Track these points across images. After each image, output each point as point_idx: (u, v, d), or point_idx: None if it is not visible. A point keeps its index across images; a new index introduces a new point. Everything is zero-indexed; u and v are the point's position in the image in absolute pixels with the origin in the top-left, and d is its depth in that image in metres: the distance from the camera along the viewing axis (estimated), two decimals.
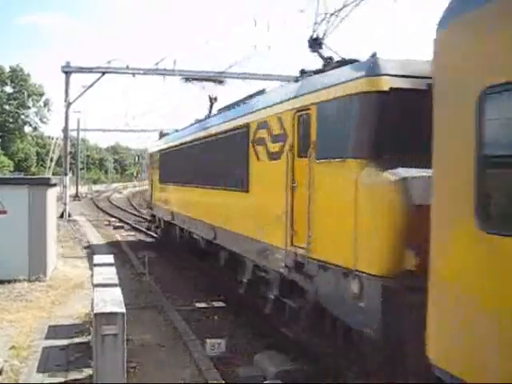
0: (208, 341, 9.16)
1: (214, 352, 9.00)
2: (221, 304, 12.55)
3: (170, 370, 8.05)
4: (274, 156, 9.38)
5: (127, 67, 32.57)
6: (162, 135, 23.55)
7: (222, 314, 11.86)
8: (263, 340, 9.95)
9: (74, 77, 33.24)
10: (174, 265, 18.01)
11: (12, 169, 73.31)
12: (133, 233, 26.90)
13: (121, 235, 25.48)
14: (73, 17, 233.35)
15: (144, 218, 33.65)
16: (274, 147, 9.34)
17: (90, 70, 32.67)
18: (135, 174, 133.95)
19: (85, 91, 33.50)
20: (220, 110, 15.26)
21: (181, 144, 17.83)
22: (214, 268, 15.01)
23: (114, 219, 33.29)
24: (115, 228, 28.50)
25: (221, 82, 20.28)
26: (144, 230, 27.26)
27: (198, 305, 12.44)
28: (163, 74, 32.68)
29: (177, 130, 20.49)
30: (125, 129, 72.07)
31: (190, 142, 16.34)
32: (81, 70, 32.87)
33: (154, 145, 24.79)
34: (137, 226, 29.05)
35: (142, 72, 32.59)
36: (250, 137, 10.62)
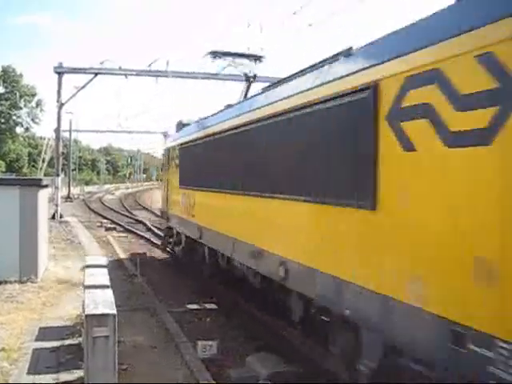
0: (199, 343, 9.13)
1: (206, 354, 8.98)
2: (213, 306, 12.52)
3: (162, 371, 8.02)
4: (463, 139, 4.62)
5: (120, 68, 32.50)
6: (181, 125, 17.88)
7: (214, 315, 11.84)
8: (255, 342, 9.93)
9: (67, 77, 33.24)
10: (167, 266, 17.98)
11: (3, 169, 73.12)
12: (125, 234, 26.84)
13: (112, 236, 25.41)
14: (69, 18, 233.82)
15: (136, 220, 33.61)
16: (466, 121, 4.59)
17: (82, 71, 32.57)
18: (128, 176, 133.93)
19: (77, 92, 33.39)
20: (268, 88, 10.34)
21: (217, 133, 12.26)
22: (207, 271, 14.91)
23: (106, 221, 33.18)
24: (107, 229, 28.42)
25: (259, 59, 15.82)
26: (135, 231, 27.22)
27: (190, 306, 12.41)
28: (156, 76, 32.65)
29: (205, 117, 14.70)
30: (117, 130, 72.12)
31: (236, 128, 10.84)
32: (73, 70, 32.73)
33: (172, 138, 18.86)
34: (129, 228, 28.98)
35: (134, 73, 32.53)
36: (378, 107, 5.86)
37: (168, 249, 19.69)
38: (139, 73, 32.73)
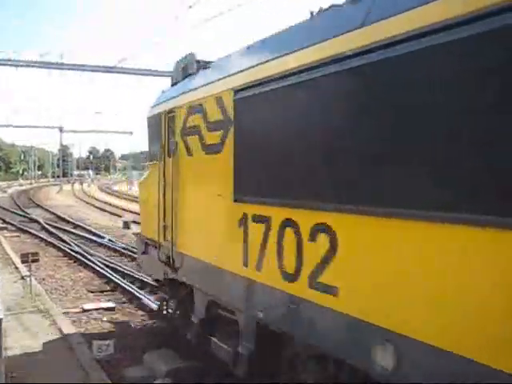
0: (95, 342, 8.86)
1: (102, 354, 8.75)
2: (110, 305, 12.23)
3: (55, 375, 7.75)
4: None
5: (9, 59, 30.80)
6: (201, 65, 8.23)
7: (112, 314, 11.59)
8: (154, 339, 9.83)
9: None
10: (62, 266, 17.34)
11: None
12: (17, 234, 25.56)
13: (3, 236, 24.09)
14: None
15: (30, 219, 32.01)
16: None
17: None
18: (21, 172, 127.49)
19: None
20: None
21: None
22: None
23: None
24: None
25: None
26: (29, 230, 25.98)
27: (86, 306, 12.05)
28: (49, 68, 31.30)
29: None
30: (8, 124, 68.47)
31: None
32: None
33: (176, 92, 8.44)
34: (21, 227, 27.62)
35: (25, 64, 30.94)
36: None
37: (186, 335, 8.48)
38: (30, 64, 31.20)
